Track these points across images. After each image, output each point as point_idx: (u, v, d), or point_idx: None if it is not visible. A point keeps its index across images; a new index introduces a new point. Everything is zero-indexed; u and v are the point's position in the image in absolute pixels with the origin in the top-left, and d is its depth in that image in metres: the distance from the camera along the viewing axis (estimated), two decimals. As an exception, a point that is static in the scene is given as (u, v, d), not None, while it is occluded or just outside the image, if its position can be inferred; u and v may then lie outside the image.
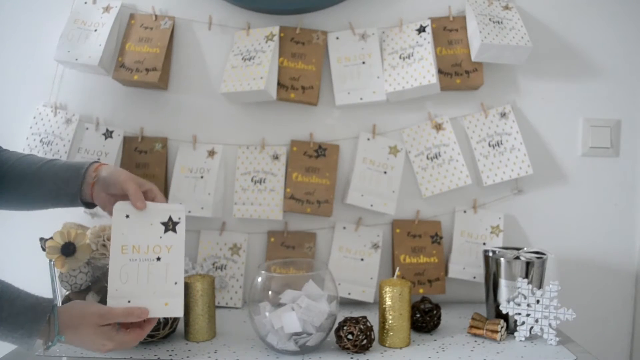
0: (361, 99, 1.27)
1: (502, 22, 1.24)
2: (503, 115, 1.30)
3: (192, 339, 1.07)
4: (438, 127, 1.31)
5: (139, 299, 0.87)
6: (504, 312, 1.08)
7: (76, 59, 1.23)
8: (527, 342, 1.06)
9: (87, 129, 1.32)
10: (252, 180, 1.30)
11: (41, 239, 1.04)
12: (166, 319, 1.03)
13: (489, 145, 1.30)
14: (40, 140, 1.31)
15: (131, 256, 0.88)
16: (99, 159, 1.29)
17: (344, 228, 1.32)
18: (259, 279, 1.02)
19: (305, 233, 1.32)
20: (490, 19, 1.23)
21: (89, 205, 0.97)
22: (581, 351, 1.01)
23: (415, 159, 1.31)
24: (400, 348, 1.04)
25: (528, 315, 1.06)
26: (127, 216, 0.89)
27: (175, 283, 0.88)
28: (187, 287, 1.05)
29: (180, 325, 1.10)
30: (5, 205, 0.97)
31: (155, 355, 1.00)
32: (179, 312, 0.88)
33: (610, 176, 1.34)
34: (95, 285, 1.03)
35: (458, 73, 1.27)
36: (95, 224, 1.18)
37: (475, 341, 1.07)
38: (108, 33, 1.24)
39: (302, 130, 1.32)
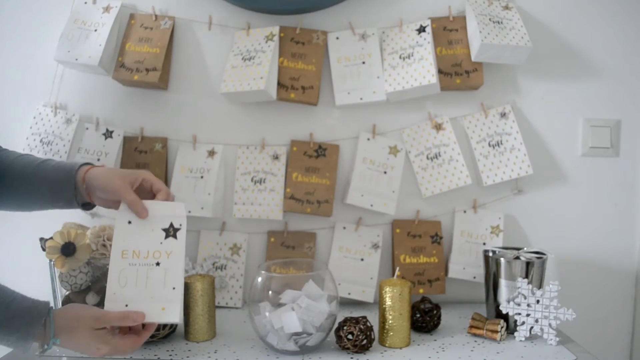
0: (361, 99, 1.27)
1: (502, 22, 1.24)
2: (503, 115, 1.30)
3: (192, 339, 1.07)
4: (438, 127, 1.31)
5: (137, 304, 0.86)
6: (504, 312, 1.08)
7: (76, 59, 1.23)
8: (527, 342, 1.06)
9: (87, 129, 1.32)
10: (252, 180, 1.30)
11: (41, 239, 1.04)
12: (166, 319, 1.03)
13: (489, 145, 1.30)
14: (40, 140, 1.31)
15: (131, 261, 0.88)
16: (98, 159, 1.29)
17: (344, 228, 1.32)
18: (259, 279, 1.02)
19: (305, 233, 1.32)
20: (490, 19, 1.23)
21: (89, 205, 0.97)
22: (581, 351, 1.01)
23: (415, 159, 1.31)
24: (400, 348, 1.04)
25: (528, 315, 1.06)
26: (130, 222, 0.90)
27: (174, 288, 0.88)
28: (187, 287, 1.05)
29: (180, 325, 1.10)
30: (5, 206, 0.97)
31: (155, 355, 1.00)
32: (175, 318, 0.87)
33: (610, 176, 1.34)
34: (95, 285, 1.04)
35: (458, 73, 1.27)
36: (95, 224, 1.19)
37: (475, 341, 1.07)
38: (108, 33, 1.24)
39: (302, 130, 1.32)
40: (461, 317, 1.22)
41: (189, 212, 1.25)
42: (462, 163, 1.29)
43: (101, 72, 1.28)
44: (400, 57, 1.27)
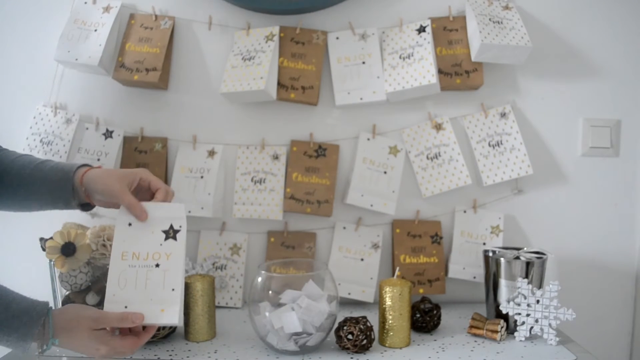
0: (361, 99, 1.27)
1: (502, 22, 1.24)
2: (503, 115, 1.30)
3: (192, 339, 1.07)
4: (438, 127, 1.31)
5: (136, 305, 0.86)
6: (504, 312, 1.08)
7: (76, 59, 1.23)
8: (527, 342, 1.06)
9: (87, 129, 1.32)
10: (252, 180, 1.30)
11: (41, 239, 1.04)
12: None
13: (489, 145, 1.30)
14: (40, 140, 1.31)
15: (131, 262, 0.88)
16: (98, 159, 1.29)
17: (344, 228, 1.32)
18: (259, 279, 1.02)
19: (305, 233, 1.32)
20: (490, 19, 1.23)
21: (88, 206, 0.96)
22: (581, 351, 1.01)
23: (415, 159, 1.31)
24: (400, 348, 1.04)
25: (528, 315, 1.06)
26: (130, 224, 0.90)
27: (173, 290, 0.87)
28: (187, 287, 1.05)
29: (180, 325, 1.10)
30: (5, 206, 0.97)
31: (155, 355, 1.00)
32: (174, 320, 0.86)
33: (610, 176, 1.34)
34: (95, 285, 1.04)
35: (458, 73, 1.27)
36: (95, 224, 1.19)
37: (475, 341, 1.07)
38: (108, 33, 1.24)
39: (302, 130, 1.32)
40: (461, 317, 1.22)
41: (189, 212, 1.25)
42: (462, 163, 1.29)
43: (101, 72, 1.28)
44: (400, 57, 1.27)
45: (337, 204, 1.31)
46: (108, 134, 1.31)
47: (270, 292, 1.01)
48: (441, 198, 1.32)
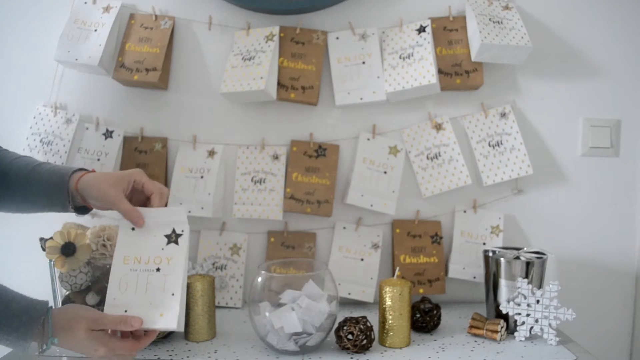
0: (361, 99, 1.27)
1: (502, 22, 1.24)
2: (503, 115, 1.30)
3: (192, 339, 1.07)
4: (438, 127, 1.31)
5: (135, 309, 0.85)
6: (504, 312, 1.08)
7: (76, 59, 1.23)
8: (527, 342, 1.06)
9: (87, 129, 1.32)
10: (252, 180, 1.30)
11: (41, 239, 1.04)
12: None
13: (489, 145, 1.30)
14: (40, 140, 1.31)
15: (132, 266, 0.88)
16: (98, 159, 1.29)
17: (344, 228, 1.32)
18: (259, 279, 1.02)
19: (305, 233, 1.32)
20: (490, 19, 1.23)
21: (85, 209, 0.96)
22: (581, 351, 1.01)
23: (415, 159, 1.31)
24: (400, 348, 1.04)
25: (528, 315, 1.06)
26: (133, 228, 0.90)
27: (173, 294, 0.86)
28: (187, 287, 1.05)
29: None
30: (4, 208, 0.96)
31: (155, 355, 1.00)
32: (172, 325, 0.85)
33: (610, 176, 1.34)
34: (95, 285, 1.04)
35: (458, 73, 1.27)
36: (95, 224, 1.19)
37: (475, 341, 1.07)
38: (108, 33, 1.24)
39: (302, 130, 1.32)
40: (461, 317, 1.22)
41: (189, 212, 1.25)
42: (462, 163, 1.29)
43: (101, 72, 1.28)
44: (400, 57, 1.27)
45: (337, 204, 1.31)
46: (108, 134, 1.31)
47: (270, 292, 1.01)
48: (441, 198, 1.32)
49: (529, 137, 1.31)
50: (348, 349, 0.99)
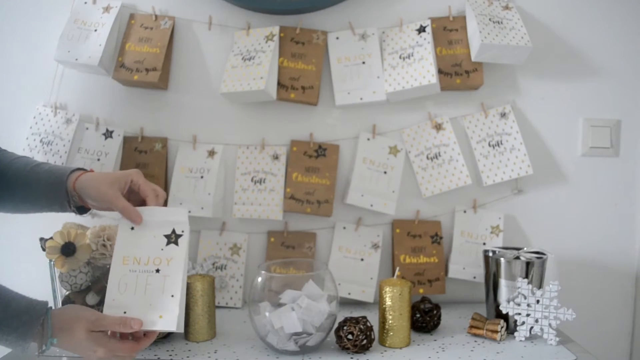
0: (361, 99, 1.27)
1: (502, 22, 1.24)
2: (503, 115, 1.30)
3: (192, 339, 1.07)
4: (438, 127, 1.31)
5: (135, 311, 0.85)
6: (504, 312, 1.08)
7: (76, 59, 1.23)
8: (527, 342, 1.06)
9: (87, 129, 1.32)
10: (252, 180, 1.30)
11: (41, 239, 1.04)
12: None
13: (489, 145, 1.30)
14: (40, 140, 1.31)
15: (131, 267, 0.87)
16: (98, 159, 1.29)
17: (344, 228, 1.32)
18: (259, 279, 1.02)
19: (305, 233, 1.32)
20: (490, 19, 1.23)
21: (83, 209, 0.96)
22: (581, 351, 1.01)
23: (415, 159, 1.31)
24: (400, 348, 1.04)
25: (528, 315, 1.06)
26: (132, 228, 0.89)
27: (172, 296, 0.85)
28: (187, 287, 1.05)
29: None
30: (3, 208, 0.96)
31: (155, 355, 1.00)
32: (172, 326, 0.84)
33: (610, 176, 1.34)
34: (95, 285, 1.03)
35: (458, 73, 1.27)
36: (95, 224, 1.19)
37: (475, 341, 1.07)
38: (108, 33, 1.24)
39: (302, 130, 1.32)
40: (461, 317, 1.22)
41: (189, 212, 1.25)
42: (462, 163, 1.29)
43: (101, 72, 1.28)
44: (400, 57, 1.27)
45: (337, 204, 1.31)
46: (108, 134, 1.31)
47: (270, 292, 1.01)
48: (441, 198, 1.32)
49: (529, 137, 1.31)
50: (348, 349, 0.99)
